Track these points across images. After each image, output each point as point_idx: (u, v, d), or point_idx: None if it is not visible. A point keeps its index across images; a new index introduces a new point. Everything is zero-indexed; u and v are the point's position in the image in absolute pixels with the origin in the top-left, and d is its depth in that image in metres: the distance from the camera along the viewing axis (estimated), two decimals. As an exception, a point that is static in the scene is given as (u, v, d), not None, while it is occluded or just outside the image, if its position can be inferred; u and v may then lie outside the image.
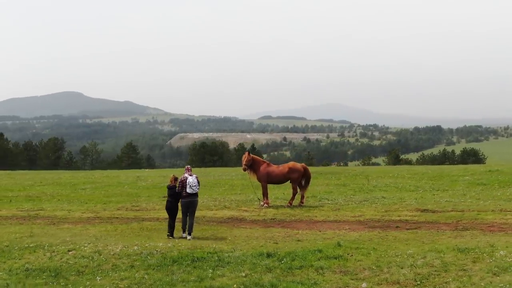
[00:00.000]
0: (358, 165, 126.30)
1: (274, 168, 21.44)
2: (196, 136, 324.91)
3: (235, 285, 9.51)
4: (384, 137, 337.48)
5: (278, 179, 21.42)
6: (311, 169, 24.60)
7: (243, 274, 10.16)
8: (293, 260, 11.05)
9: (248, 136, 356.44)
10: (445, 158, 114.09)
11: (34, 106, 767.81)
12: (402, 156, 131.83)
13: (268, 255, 11.50)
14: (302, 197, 21.16)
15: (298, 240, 13.54)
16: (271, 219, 17.70)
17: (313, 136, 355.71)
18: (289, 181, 21.43)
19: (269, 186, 21.93)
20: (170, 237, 14.75)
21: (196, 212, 15.64)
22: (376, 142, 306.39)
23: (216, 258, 11.50)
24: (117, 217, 19.22)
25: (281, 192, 25.24)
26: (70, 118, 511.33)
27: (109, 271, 10.90)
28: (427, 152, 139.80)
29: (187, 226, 15.03)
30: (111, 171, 63.41)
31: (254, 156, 21.99)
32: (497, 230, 14.16)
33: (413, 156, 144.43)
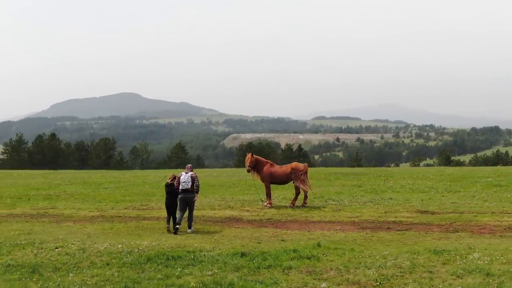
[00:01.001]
0: (412, 165, 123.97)
1: (277, 169, 21.55)
2: (249, 136, 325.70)
3: (193, 284, 9.52)
4: (440, 137, 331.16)
5: (281, 179, 21.45)
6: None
7: (210, 273, 10.18)
8: (264, 259, 11.05)
9: (301, 136, 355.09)
10: (498, 160, 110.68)
11: (92, 107, 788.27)
12: (456, 158, 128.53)
13: (242, 255, 11.55)
14: (305, 197, 21.07)
15: (282, 240, 13.52)
16: (268, 219, 17.71)
17: (367, 137, 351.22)
18: (292, 181, 21.37)
19: (278, 187, 22.25)
20: (173, 233, 15.38)
21: (199, 211, 16.75)
22: (432, 143, 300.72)
23: (191, 257, 11.55)
24: (119, 216, 19.51)
25: (291, 192, 24.76)
26: (127, 119, 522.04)
27: (84, 268, 11.04)
28: (483, 153, 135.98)
29: (186, 220, 15.76)
30: (147, 171, 64.32)
31: (257, 157, 22.17)
32: (487, 232, 13.94)
33: (467, 158, 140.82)
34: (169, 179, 16.54)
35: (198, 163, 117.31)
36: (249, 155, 21.98)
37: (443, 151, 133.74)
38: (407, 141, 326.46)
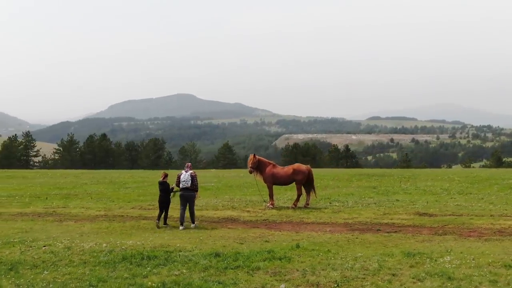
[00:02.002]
0: (463, 166, 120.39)
1: (279, 170, 21.48)
2: (301, 137, 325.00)
3: (151, 283, 9.46)
4: (497, 138, 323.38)
5: (283, 181, 21.36)
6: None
7: (177, 273, 10.12)
8: (235, 260, 10.97)
9: (353, 137, 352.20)
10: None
11: (149, 108, 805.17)
12: (508, 159, 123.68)
13: (216, 255, 11.49)
14: (308, 198, 21.07)
15: (266, 241, 13.43)
16: (264, 220, 17.68)
17: (422, 138, 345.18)
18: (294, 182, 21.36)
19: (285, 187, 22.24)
20: (165, 225, 16.50)
21: (202, 211, 17.49)
22: (489, 144, 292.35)
23: (166, 257, 11.52)
24: (122, 215, 19.66)
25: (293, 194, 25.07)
26: (182, 119, 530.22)
27: (61, 266, 11.05)
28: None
29: (188, 217, 16.49)
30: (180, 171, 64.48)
31: (260, 157, 22.13)
32: (475, 235, 13.74)
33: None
34: (162, 177, 17.39)
35: (246, 164, 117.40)
36: (251, 156, 21.84)
37: (494, 152, 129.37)
38: (463, 142, 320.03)
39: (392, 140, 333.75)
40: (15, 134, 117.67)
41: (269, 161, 22.26)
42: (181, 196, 16.68)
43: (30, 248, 13.05)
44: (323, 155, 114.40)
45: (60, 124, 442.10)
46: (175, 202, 17.43)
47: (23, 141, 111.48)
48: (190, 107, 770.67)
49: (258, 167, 21.54)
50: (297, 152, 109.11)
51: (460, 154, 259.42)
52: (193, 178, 16.73)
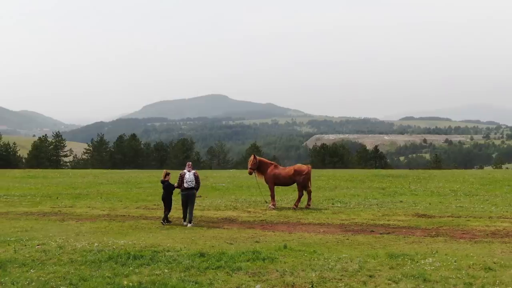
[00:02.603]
0: (494, 167, 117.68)
1: (281, 170, 21.47)
2: (332, 137, 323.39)
3: (127, 282, 9.46)
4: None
5: (285, 181, 21.34)
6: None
7: (158, 273, 10.10)
8: (218, 260, 10.95)
9: (386, 137, 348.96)
10: None
11: (181, 108, 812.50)
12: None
13: (201, 255, 11.49)
14: (309, 199, 21.04)
15: (256, 241, 13.45)
16: (261, 220, 17.72)
17: (455, 138, 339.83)
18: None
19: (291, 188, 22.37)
20: (163, 224, 16.94)
21: (203, 211, 17.96)
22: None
23: (152, 256, 11.55)
24: (123, 215, 19.75)
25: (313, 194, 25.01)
26: (214, 119, 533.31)
27: (48, 264, 11.09)
28: None
29: (187, 215, 17.00)
30: (203, 171, 64.85)
31: (261, 158, 22.37)
32: (468, 237, 13.61)
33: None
34: (163, 176, 17.94)
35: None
36: (251, 157, 21.91)
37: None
38: (497, 142, 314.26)
39: (425, 140, 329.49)
40: (45, 134, 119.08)
41: (271, 162, 22.31)
42: (184, 195, 17.07)
43: (24, 247, 13.12)
44: (351, 156, 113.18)
45: (94, 124, 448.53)
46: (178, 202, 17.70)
47: (53, 141, 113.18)
48: (222, 107, 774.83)
49: (260, 168, 21.57)
50: (324, 153, 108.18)
51: (494, 155, 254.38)
52: (197, 177, 17.30)
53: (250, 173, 21.60)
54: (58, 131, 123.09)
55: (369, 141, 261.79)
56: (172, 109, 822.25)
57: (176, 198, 18.14)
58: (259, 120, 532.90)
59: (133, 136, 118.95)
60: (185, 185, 16.97)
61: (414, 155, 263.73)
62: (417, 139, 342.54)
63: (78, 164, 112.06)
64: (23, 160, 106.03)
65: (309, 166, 21.83)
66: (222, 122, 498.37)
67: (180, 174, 17.39)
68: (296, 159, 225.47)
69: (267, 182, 21.51)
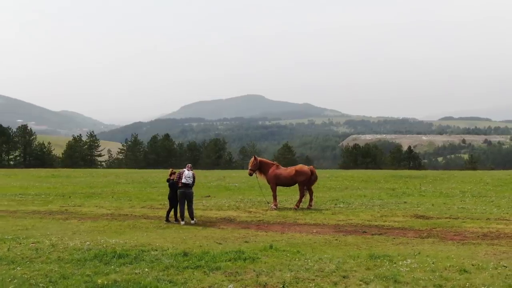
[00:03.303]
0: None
1: (282, 171, 21.43)
2: (369, 137, 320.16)
3: (102, 281, 9.48)
4: None
5: (286, 182, 21.31)
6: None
7: (137, 272, 10.13)
8: (200, 260, 10.96)
9: (424, 138, 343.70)
10: None
11: (219, 108, 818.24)
12: None
13: (185, 254, 11.54)
14: (311, 199, 21.01)
15: (246, 241, 13.48)
16: (258, 220, 17.73)
17: (495, 138, 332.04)
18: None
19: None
20: (175, 222, 17.40)
21: (205, 211, 18.44)
22: None
23: (136, 255, 11.61)
24: (126, 214, 19.94)
25: (318, 195, 24.97)
26: (250, 120, 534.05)
27: (36, 262, 11.22)
28: None
29: (188, 213, 17.39)
30: (228, 171, 64.92)
31: (262, 159, 22.35)
32: (458, 239, 13.48)
33: None
34: (170, 174, 18.36)
35: (308, 164, 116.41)
36: (252, 159, 22.00)
37: None
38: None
39: (464, 141, 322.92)
40: (80, 134, 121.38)
41: (272, 162, 22.25)
42: (181, 193, 17.40)
43: (19, 245, 13.28)
44: (383, 156, 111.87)
45: (132, 124, 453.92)
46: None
47: (88, 141, 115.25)
48: (259, 107, 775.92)
49: (261, 169, 21.63)
50: (357, 153, 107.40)
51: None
52: (194, 177, 17.81)
53: (250, 174, 21.72)
54: (92, 131, 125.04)
55: (406, 142, 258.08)
56: (210, 109, 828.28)
57: None
58: (295, 120, 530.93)
59: (167, 136, 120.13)
60: (183, 180, 17.38)
61: (452, 155, 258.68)
62: (456, 139, 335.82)
63: (113, 163, 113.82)
64: (58, 160, 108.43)
65: (312, 166, 21.77)
66: (258, 122, 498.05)
67: (179, 172, 17.84)
68: (332, 160, 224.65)
69: (269, 183, 21.55)
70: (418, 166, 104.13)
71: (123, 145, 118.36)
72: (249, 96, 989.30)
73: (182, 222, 17.09)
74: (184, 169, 17.78)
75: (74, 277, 9.83)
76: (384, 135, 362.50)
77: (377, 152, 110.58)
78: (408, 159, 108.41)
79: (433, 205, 21.09)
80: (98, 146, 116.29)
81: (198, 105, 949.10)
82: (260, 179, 22.02)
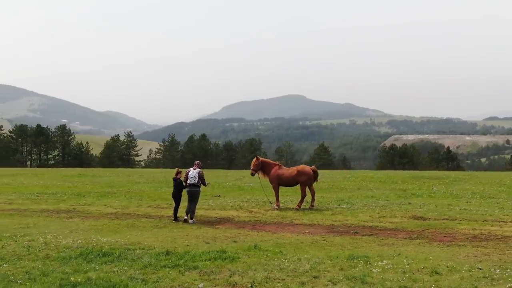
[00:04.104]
0: None
1: (284, 171, 21.34)
2: (411, 138, 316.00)
3: (75, 279, 9.60)
4: None
5: (288, 182, 21.22)
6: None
7: (115, 270, 10.27)
8: (179, 259, 11.07)
9: (467, 138, 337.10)
10: None
11: (259, 109, 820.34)
12: None
13: (167, 253, 11.66)
14: (313, 200, 20.90)
15: (234, 241, 13.50)
16: (256, 220, 17.70)
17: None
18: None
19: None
20: (174, 221, 17.55)
21: (207, 210, 18.93)
22: None
23: (120, 254, 11.76)
24: (129, 213, 20.10)
25: (321, 196, 25.05)
26: (291, 120, 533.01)
27: (24, 260, 11.45)
28: None
29: (190, 211, 17.59)
30: (243, 171, 64.64)
31: (264, 159, 22.38)
32: (447, 240, 13.34)
33: None
34: (175, 173, 18.59)
35: (344, 164, 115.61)
36: (254, 159, 22.01)
37: None
38: None
39: (508, 141, 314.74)
40: (117, 134, 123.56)
41: (275, 162, 22.17)
42: (187, 191, 17.74)
43: (14, 243, 13.53)
44: (421, 157, 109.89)
45: (175, 124, 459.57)
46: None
47: (125, 140, 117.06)
48: (299, 108, 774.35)
49: (264, 169, 21.59)
50: (394, 154, 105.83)
51: None
52: (200, 176, 17.85)
53: (253, 174, 21.71)
54: (130, 131, 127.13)
55: (449, 142, 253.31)
56: (250, 109, 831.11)
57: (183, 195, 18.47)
58: (336, 120, 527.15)
59: (203, 136, 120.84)
60: (188, 181, 17.73)
61: (495, 156, 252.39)
62: (500, 140, 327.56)
63: (151, 163, 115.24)
64: (96, 159, 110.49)
65: (314, 167, 21.64)
66: (298, 123, 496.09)
67: (187, 171, 18.13)
68: (372, 160, 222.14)
69: (271, 183, 21.47)
70: (457, 167, 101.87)
71: (160, 145, 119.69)
72: (290, 96, 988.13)
73: (191, 221, 17.30)
74: (190, 169, 18.07)
75: (53, 275, 10.00)
76: (427, 135, 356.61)
77: (415, 153, 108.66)
78: (447, 160, 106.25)
79: (436, 206, 20.80)
80: (135, 146, 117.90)
81: (239, 105, 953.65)
82: (262, 180, 21.99)
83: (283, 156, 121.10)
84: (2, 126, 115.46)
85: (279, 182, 21.15)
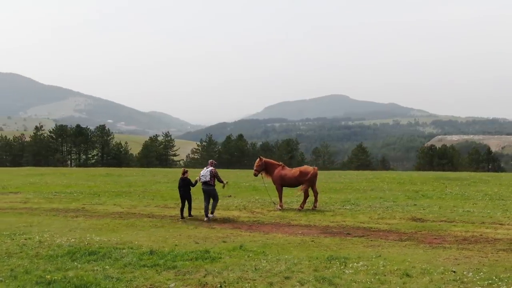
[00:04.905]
0: None
1: (287, 171, 21.29)
2: (455, 138, 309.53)
3: (51, 277, 9.77)
4: None
5: (291, 182, 21.14)
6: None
7: (96, 268, 10.42)
8: (161, 258, 11.20)
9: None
10: None
11: (302, 109, 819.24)
12: None
13: (151, 253, 11.82)
14: (315, 201, 20.83)
15: (224, 241, 13.58)
16: (254, 221, 17.73)
17: None
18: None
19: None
20: (180, 219, 18.01)
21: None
22: None
23: (106, 253, 11.93)
24: (134, 213, 20.32)
25: (329, 196, 25.24)
26: (333, 120, 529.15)
27: (14, 257, 11.71)
28: None
29: (209, 209, 18.24)
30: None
31: (267, 159, 22.19)
32: (436, 242, 13.18)
33: None
34: (182, 173, 19.18)
35: (384, 166, 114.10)
36: (257, 159, 21.90)
37: None
38: None
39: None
40: (156, 134, 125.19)
41: (278, 163, 22.09)
42: (203, 190, 18.43)
43: (11, 241, 13.83)
44: (460, 158, 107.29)
45: (217, 125, 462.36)
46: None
47: (163, 141, 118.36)
48: (342, 108, 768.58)
49: (267, 169, 21.62)
50: (433, 154, 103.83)
51: None
52: (213, 174, 18.36)
53: (255, 175, 21.70)
54: (168, 131, 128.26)
55: (494, 143, 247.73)
56: (292, 109, 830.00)
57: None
58: (379, 121, 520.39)
59: (240, 136, 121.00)
60: (201, 179, 18.36)
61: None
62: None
63: (189, 163, 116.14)
64: (135, 159, 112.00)
65: (315, 168, 21.47)
66: (341, 123, 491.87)
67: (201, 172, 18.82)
68: (415, 161, 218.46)
69: (274, 183, 21.49)
70: (498, 168, 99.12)
71: (198, 145, 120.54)
72: (333, 96, 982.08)
73: (206, 218, 17.92)
74: (204, 168, 18.63)
75: (34, 272, 10.18)
76: (472, 135, 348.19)
77: (454, 154, 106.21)
78: (487, 161, 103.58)
79: (440, 208, 20.48)
80: (173, 146, 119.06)
81: (281, 105, 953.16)
82: (266, 180, 22.05)
83: (320, 157, 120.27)
84: (42, 126, 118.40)
85: (282, 183, 21.13)
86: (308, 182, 20.61)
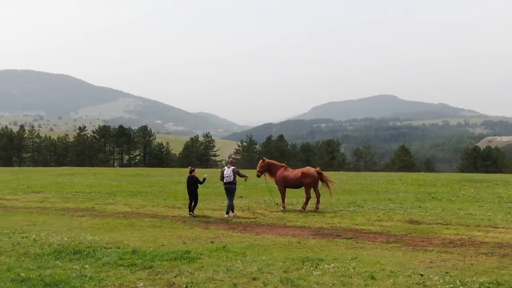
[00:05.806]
0: None
1: (290, 173, 21.34)
2: (505, 139, 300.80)
3: (25, 275, 9.96)
4: None
5: (293, 183, 21.17)
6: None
7: (75, 267, 10.59)
8: (140, 258, 11.31)
9: None
10: None
11: (348, 109, 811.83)
12: None
13: (133, 252, 11.99)
14: (318, 202, 20.77)
15: (212, 242, 13.60)
16: (251, 222, 17.83)
17: None
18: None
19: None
20: (192, 216, 18.89)
21: (210, 211, 19.96)
22: None
23: (90, 252, 12.12)
24: (139, 213, 20.61)
25: (337, 198, 24.96)
26: (381, 120, 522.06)
27: (3, 255, 12.01)
28: None
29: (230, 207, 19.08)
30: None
31: (270, 161, 22.29)
32: (422, 244, 13.01)
33: None
34: (189, 171, 19.89)
35: (428, 167, 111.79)
36: (261, 161, 22.06)
37: None
38: None
39: None
40: (197, 135, 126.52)
41: (281, 164, 22.11)
42: (225, 189, 19.36)
43: (8, 239, 14.17)
44: (505, 160, 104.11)
45: (263, 125, 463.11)
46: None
47: (204, 141, 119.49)
48: (390, 108, 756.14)
49: (270, 170, 21.71)
50: (476, 156, 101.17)
51: None
52: (236, 172, 19.49)
53: (258, 176, 21.81)
54: (208, 132, 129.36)
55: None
56: (339, 110, 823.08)
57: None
58: (428, 121, 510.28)
59: (281, 137, 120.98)
60: (224, 179, 19.35)
61: None
62: None
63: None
64: (176, 159, 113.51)
65: (318, 169, 21.45)
66: (389, 123, 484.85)
67: (222, 170, 19.87)
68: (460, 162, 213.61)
69: (277, 184, 21.55)
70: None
71: (238, 146, 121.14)
72: (381, 96, 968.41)
73: (233, 214, 18.97)
74: (225, 167, 19.73)
75: (15, 270, 10.40)
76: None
77: (499, 155, 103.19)
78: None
79: (443, 210, 20.13)
80: (213, 146, 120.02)
81: (328, 106, 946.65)
82: (269, 181, 22.05)
83: (362, 158, 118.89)
84: (85, 127, 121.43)
85: (284, 184, 21.17)
86: (310, 183, 20.68)
